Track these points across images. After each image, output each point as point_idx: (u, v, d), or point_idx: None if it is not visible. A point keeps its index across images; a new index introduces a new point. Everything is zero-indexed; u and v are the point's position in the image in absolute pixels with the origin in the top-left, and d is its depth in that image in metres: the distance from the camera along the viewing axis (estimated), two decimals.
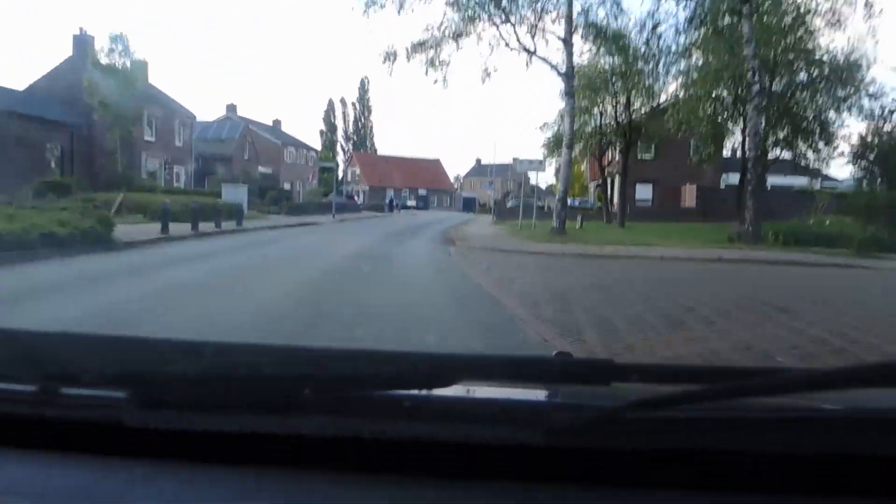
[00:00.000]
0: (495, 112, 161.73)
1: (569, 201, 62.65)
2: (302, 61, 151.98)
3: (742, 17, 18.27)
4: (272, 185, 53.72)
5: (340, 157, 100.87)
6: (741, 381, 1.04)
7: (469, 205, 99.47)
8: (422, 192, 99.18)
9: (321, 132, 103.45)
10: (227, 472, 0.90)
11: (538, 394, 1.09)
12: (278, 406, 0.94)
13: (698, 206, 40.92)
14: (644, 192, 44.62)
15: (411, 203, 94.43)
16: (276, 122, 70.96)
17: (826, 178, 43.51)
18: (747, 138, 19.08)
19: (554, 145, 36.69)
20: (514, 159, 29.99)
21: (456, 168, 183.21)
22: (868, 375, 0.93)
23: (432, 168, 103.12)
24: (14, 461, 0.92)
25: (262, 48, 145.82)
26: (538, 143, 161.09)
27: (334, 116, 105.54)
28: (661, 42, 20.15)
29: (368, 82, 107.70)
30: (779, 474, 0.87)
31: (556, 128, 36.05)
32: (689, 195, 43.15)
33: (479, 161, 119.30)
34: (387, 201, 68.61)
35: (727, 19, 19.91)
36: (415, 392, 0.97)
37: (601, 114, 35.38)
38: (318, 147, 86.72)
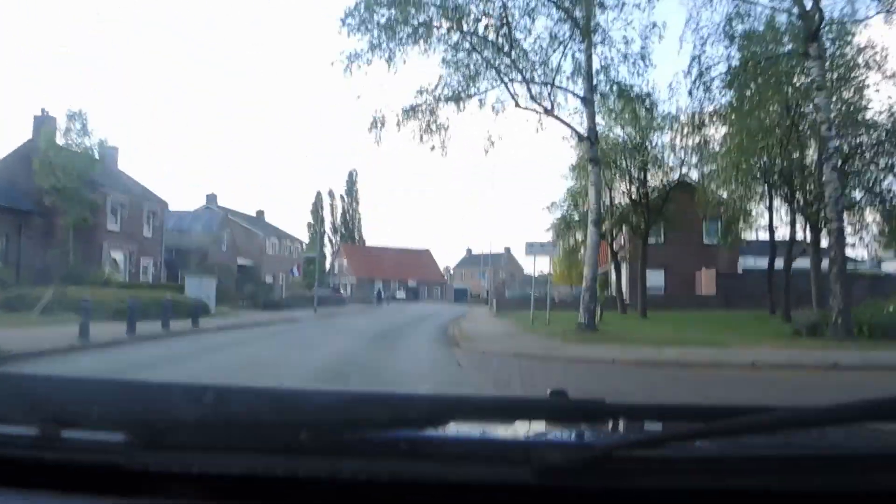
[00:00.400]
0: (487, 199, 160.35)
1: (570, 291, 58.86)
2: (289, 154, 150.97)
3: (808, 59, 14.70)
4: (252, 278, 49.65)
5: (328, 250, 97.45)
6: (731, 421, 1.01)
7: (461, 296, 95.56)
8: (411, 283, 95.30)
9: (308, 224, 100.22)
10: None
11: (531, 433, 1.10)
12: (277, 449, 0.95)
13: (718, 293, 37.01)
14: (655, 278, 40.73)
15: (401, 295, 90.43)
16: (260, 213, 67.50)
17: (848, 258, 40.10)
18: (827, 206, 15.17)
19: (564, 227, 32.99)
20: (527, 244, 26.15)
21: (446, 259, 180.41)
22: (856, 414, 0.92)
23: (422, 259, 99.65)
24: (16, 501, 0.93)
25: (248, 139, 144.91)
26: (534, 230, 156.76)
27: (321, 208, 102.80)
28: (707, 94, 16.33)
29: (356, 174, 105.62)
30: None
31: (564, 207, 32.42)
32: (705, 281, 39.32)
33: (469, 251, 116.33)
34: (375, 293, 64.35)
35: (783, 64, 16.33)
36: (410, 433, 0.98)
37: (610, 190, 31.62)
38: (305, 239, 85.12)
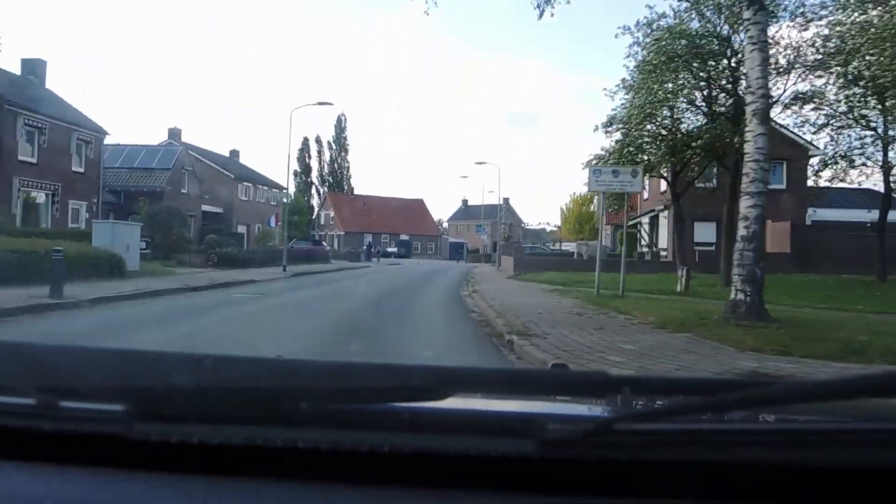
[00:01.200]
0: (485, 145, 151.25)
1: (582, 248, 51.33)
2: (272, 95, 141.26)
3: None
4: (219, 228, 41.75)
5: (315, 201, 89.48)
6: (734, 394, 1.02)
7: (456, 251, 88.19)
8: (403, 237, 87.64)
9: (295, 173, 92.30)
10: (225, 483, 0.90)
11: (533, 405, 1.08)
12: (276, 419, 0.94)
13: (793, 251, 29.47)
14: (705, 232, 33.16)
15: (391, 249, 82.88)
16: (234, 153, 59.06)
17: None
18: None
19: (625, 147, 23.56)
20: (592, 169, 18.13)
21: (439, 212, 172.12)
22: (861, 387, 0.92)
23: (415, 209, 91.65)
24: (14, 473, 0.92)
25: (227, 79, 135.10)
26: (537, 182, 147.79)
27: (309, 156, 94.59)
28: None
29: (345, 120, 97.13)
30: (771, 485, 0.87)
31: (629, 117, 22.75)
32: (776, 236, 31.71)
33: (465, 202, 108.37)
34: (363, 248, 56.67)
35: None
36: (412, 404, 0.97)
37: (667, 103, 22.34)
38: (291, 187, 76.41)
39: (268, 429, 0.93)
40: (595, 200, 63.08)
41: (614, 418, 0.93)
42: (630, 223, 35.91)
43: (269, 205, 57.45)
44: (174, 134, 49.55)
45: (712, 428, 0.94)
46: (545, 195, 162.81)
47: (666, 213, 34.19)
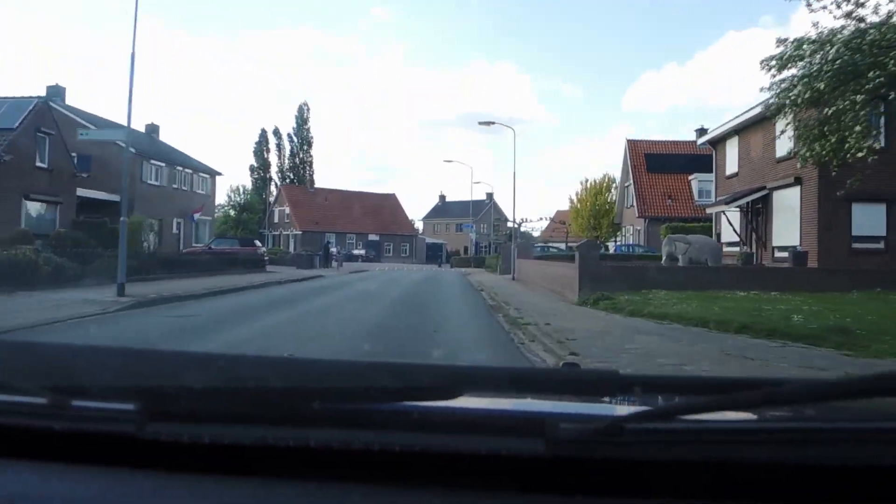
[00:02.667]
0: (464, 134, 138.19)
1: (610, 246, 37.98)
2: (233, 84, 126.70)
3: None
4: (105, 220, 27.49)
5: (273, 197, 75.39)
6: (745, 393, 1.02)
7: (434, 253, 74.78)
8: (372, 237, 73.75)
9: (251, 168, 78.44)
10: (235, 483, 0.90)
11: (543, 404, 1.08)
12: (287, 418, 0.94)
13: None
14: (868, 220, 20.02)
15: (358, 252, 69.04)
16: (152, 128, 44.75)
17: None
18: None
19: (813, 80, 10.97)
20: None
21: (412, 211, 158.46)
22: (873, 385, 0.92)
23: (386, 206, 77.72)
24: (25, 471, 0.92)
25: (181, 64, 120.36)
26: (523, 176, 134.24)
27: (267, 150, 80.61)
28: None
29: (308, 110, 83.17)
30: (783, 484, 0.86)
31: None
32: None
33: (443, 198, 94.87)
34: (320, 252, 42.58)
35: None
36: (422, 403, 0.97)
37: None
38: (248, 183, 63.14)
39: (279, 428, 0.92)
40: (615, 189, 49.69)
41: (625, 417, 0.91)
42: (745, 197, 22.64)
43: (196, 194, 43.26)
44: (55, 92, 35.16)
45: (723, 427, 0.93)
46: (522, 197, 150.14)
47: (792, 190, 20.90)
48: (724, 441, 0.90)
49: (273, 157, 79.17)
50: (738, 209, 24.19)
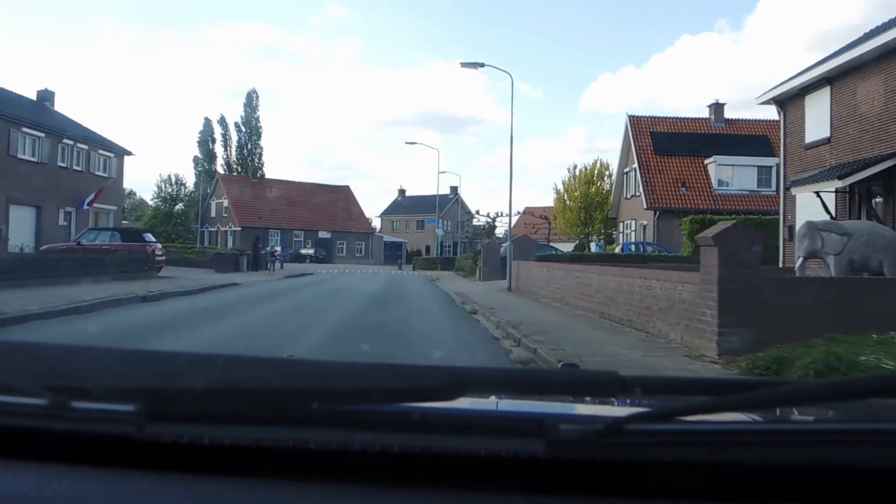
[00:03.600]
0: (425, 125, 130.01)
1: (592, 246, 29.85)
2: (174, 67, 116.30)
3: None
4: None
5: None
6: (745, 395, 1.02)
7: (394, 253, 66.62)
8: (323, 234, 65.04)
9: (195, 159, 69.37)
10: (235, 484, 0.90)
11: (544, 406, 1.08)
12: (287, 419, 0.94)
13: None
14: None
15: (307, 251, 60.48)
16: (45, 94, 35.44)
17: None
18: None
19: None
20: None
21: (371, 210, 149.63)
22: (870, 387, 0.93)
23: (340, 200, 69.04)
24: (25, 473, 0.91)
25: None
26: (493, 169, 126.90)
27: (213, 141, 71.49)
28: None
29: (257, 97, 74.11)
30: (783, 486, 0.86)
31: None
32: None
33: (402, 192, 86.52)
34: (252, 249, 33.92)
35: None
36: (422, 404, 0.96)
37: None
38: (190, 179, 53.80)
39: (279, 429, 0.92)
40: (609, 177, 41.99)
41: (626, 418, 0.90)
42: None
43: (96, 177, 34.29)
44: None
45: (724, 428, 0.93)
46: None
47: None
48: (724, 442, 0.89)
49: (219, 149, 70.29)
50: (832, 191, 16.69)
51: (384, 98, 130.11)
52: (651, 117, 35.20)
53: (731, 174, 32.39)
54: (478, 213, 44.54)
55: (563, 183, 41.05)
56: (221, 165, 68.89)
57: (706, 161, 32.78)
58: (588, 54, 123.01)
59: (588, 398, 1.10)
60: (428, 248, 77.03)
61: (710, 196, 31.97)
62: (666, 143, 33.39)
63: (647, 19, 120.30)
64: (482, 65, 21.61)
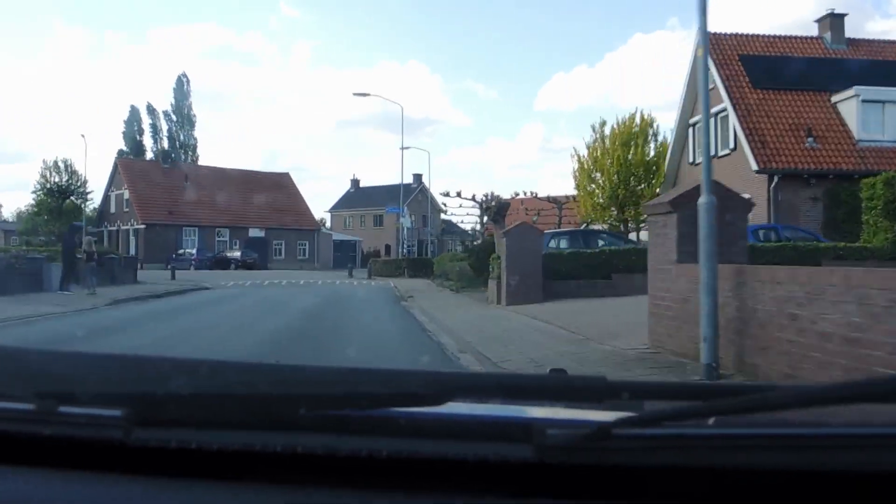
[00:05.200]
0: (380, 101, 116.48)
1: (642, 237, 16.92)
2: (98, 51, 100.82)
3: None
4: None
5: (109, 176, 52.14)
6: (734, 399, 1.02)
7: (345, 254, 53.31)
8: (256, 231, 51.05)
9: (119, 153, 56.17)
10: (223, 489, 0.89)
11: (532, 411, 1.07)
12: (275, 424, 0.93)
13: None
14: None
15: (233, 254, 46.68)
16: None
17: None
18: None
19: None
20: None
21: (321, 205, 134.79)
22: (859, 392, 0.92)
23: (279, 190, 55.09)
24: (12, 478, 0.91)
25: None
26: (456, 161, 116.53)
27: (140, 132, 59.05)
28: None
29: (188, 81, 61.24)
30: (770, 491, 0.86)
31: None
32: None
33: (356, 183, 72.74)
34: (67, 253, 20.02)
35: None
36: (410, 409, 0.95)
37: None
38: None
39: (267, 434, 0.92)
40: (654, 136, 28.34)
41: (613, 423, 0.89)
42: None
43: None
44: None
45: (712, 433, 0.93)
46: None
47: None
48: (712, 447, 0.89)
49: (148, 141, 58.86)
50: None
51: (339, 99, 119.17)
52: (738, 35, 22.51)
53: (882, 116, 19.84)
54: (459, 194, 31.03)
55: (589, 147, 27.85)
56: (151, 159, 55.23)
57: (836, 98, 20.22)
58: (542, 53, 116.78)
59: (576, 403, 1.07)
60: (388, 248, 63.56)
61: (852, 149, 19.43)
62: (768, 73, 20.76)
63: (600, 18, 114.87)
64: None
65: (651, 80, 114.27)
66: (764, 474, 0.86)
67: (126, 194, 48.52)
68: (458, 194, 32.03)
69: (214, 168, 54.89)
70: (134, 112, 58.82)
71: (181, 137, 60.44)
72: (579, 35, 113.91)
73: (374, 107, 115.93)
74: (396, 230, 43.89)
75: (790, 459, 0.87)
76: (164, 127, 58.88)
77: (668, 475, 0.87)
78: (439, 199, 36.04)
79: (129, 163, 50.30)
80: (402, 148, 37.67)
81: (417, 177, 59.66)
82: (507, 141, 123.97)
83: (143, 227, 46.47)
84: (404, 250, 40.87)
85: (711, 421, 0.94)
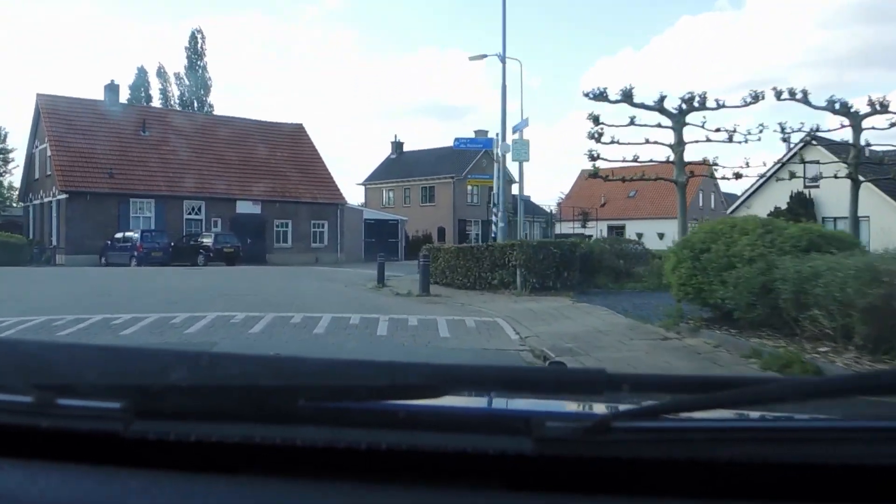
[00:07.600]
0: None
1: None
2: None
3: None
4: None
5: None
6: (732, 392, 1.02)
7: (382, 240, 35.78)
8: (246, 206, 33.77)
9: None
10: (223, 481, 0.89)
11: (530, 403, 1.07)
12: (274, 416, 0.93)
13: None
14: None
15: (206, 240, 29.51)
16: None
17: None
18: None
19: None
20: None
21: (349, 176, 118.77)
22: (854, 385, 0.93)
23: (289, 146, 37.55)
24: (11, 471, 0.90)
25: None
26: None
27: (149, 100, 47.77)
28: None
29: (203, 38, 48.79)
30: (768, 483, 0.86)
31: None
32: None
33: (398, 147, 54.75)
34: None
35: None
36: (409, 402, 0.96)
37: None
38: None
39: (266, 426, 0.91)
40: None
41: (613, 416, 0.91)
42: None
43: None
44: None
45: (711, 425, 0.93)
46: None
47: None
48: (711, 440, 0.89)
49: (157, 104, 47.04)
50: None
51: (382, 88, 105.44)
52: None
53: None
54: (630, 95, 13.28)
55: None
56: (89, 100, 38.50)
57: None
58: (586, 38, 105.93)
59: (575, 395, 1.08)
60: (442, 232, 45.83)
61: None
62: None
63: (645, 1, 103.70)
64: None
65: (699, 61, 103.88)
66: (763, 467, 0.85)
67: (49, 150, 31.40)
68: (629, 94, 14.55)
69: (188, 113, 37.63)
70: (141, 74, 48.21)
71: (195, 104, 47.59)
72: (626, 19, 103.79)
73: (416, 95, 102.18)
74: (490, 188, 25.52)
75: (789, 452, 0.86)
76: (176, 92, 48.61)
77: (667, 468, 0.86)
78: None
79: (52, 99, 32.96)
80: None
81: (482, 133, 40.60)
82: (551, 126, 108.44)
83: (64, 196, 29.40)
84: (493, 233, 22.57)
85: (711, 414, 0.93)
